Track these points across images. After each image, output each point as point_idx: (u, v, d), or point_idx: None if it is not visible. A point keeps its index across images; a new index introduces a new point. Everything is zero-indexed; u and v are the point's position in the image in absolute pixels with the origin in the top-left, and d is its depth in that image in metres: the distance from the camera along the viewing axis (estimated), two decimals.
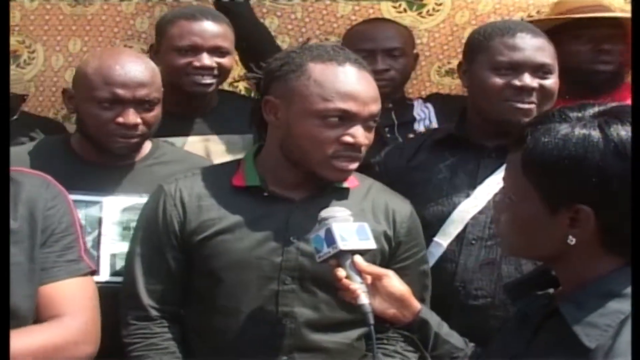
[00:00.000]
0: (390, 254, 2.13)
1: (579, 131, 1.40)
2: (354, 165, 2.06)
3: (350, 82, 2.01)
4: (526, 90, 2.31)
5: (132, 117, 2.28)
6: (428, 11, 3.16)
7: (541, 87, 2.33)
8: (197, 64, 2.74)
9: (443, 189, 2.38)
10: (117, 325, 2.07)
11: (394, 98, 3.03)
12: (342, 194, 2.13)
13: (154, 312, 2.07)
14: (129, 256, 2.14)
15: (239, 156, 2.27)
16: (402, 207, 2.19)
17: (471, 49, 2.45)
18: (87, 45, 3.12)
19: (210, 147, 2.83)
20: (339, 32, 3.17)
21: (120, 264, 2.26)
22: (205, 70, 2.75)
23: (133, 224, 2.24)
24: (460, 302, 2.28)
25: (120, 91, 2.27)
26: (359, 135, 2.00)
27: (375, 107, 2.04)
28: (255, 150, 2.18)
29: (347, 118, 2.00)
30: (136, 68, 2.31)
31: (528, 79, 2.32)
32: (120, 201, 2.34)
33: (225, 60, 2.80)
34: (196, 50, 2.75)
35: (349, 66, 2.03)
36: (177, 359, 2.05)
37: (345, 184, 2.14)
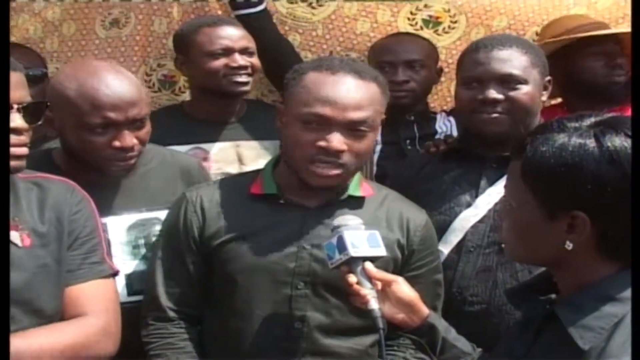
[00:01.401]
0: (403, 262, 2.18)
1: (575, 140, 1.46)
2: (335, 172, 2.08)
3: (332, 88, 2.06)
4: (489, 103, 2.36)
5: (128, 139, 2.15)
6: (444, 29, 3.24)
7: (508, 98, 2.36)
8: (233, 64, 2.86)
9: (446, 199, 2.44)
10: (140, 342, 2.15)
11: (417, 110, 3.12)
12: (356, 203, 2.19)
13: (172, 314, 2.15)
14: (152, 260, 2.22)
15: None
16: (417, 216, 2.23)
17: (456, 66, 2.56)
18: (122, 66, 3.17)
19: (242, 153, 2.94)
20: (358, 48, 3.25)
21: (136, 283, 2.28)
22: (241, 69, 2.88)
23: (141, 242, 2.30)
24: (456, 308, 2.31)
25: (112, 114, 2.12)
26: (334, 140, 2.04)
27: (356, 114, 2.06)
28: (276, 160, 2.26)
29: (324, 123, 2.05)
30: (122, 85, 2.15)
31: (491, 91, 2.36)
32: (123, 220, 2.27)
33: (254, 60, 2.93)
34: (228, 52, 2.87)
35: (341, 74, 2.08)
36: (192, 359, 2.12)
37: (360, 193, 2.20)
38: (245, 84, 2.90)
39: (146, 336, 2.15)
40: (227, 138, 2.94)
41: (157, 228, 2.29)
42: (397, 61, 3.03)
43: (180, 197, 2.24)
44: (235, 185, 2.25)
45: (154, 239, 2.29)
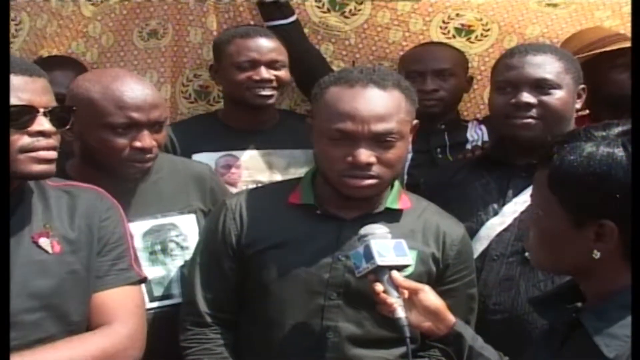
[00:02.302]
0: (437, 275, 2.17)
1: (603, 149, 1.46)
2: (369, 182, 2.08)
3: (351, 102, 2.06)
4: (522, 106, 2.36)
5: (148, 140, 2.20)
6: (477, 37, 3.23)
7: (541, 102, 2.36)
8: (256, 77, 2.88)
9: (474, 207, 2.44)
10: (166, 348, 2.15)
11: (447, 119, 3.11)
12: (393, 215, 2.18)
13: (209, 319, 2.17)
14: (190, 265, 2.25)
15: (301, 170, 2.36)
16: (454, 230, 2.22)
17: (491, 73, 2.57)
18: (163, 77, 3.25)
19: (273, 161, 2.96)
20: (391, 57, 3.25)
21: (156, 289, 2.30)
22: (265, 82, 2.89)
23: (157, 248, 2.31)
24: (479, 317, 2.29)
25: (135, 115, 2.18)
26: (360, 154, 2.04)
27: (379, 126, 2.04)
28: (315, 170, 2.25)
29: (349, 138, 2.05)
30: (145, 89, 2.23)
31: (524, 95, 2.36)
32: (138, 227, 2.28)
33: (281, 73, 2.94)
34: (254, 64, 2.89)
35: (359, 86, 2.07)
36: None
37: (398, 205, 2.19)
38: (269, 97, 2.91)
39: (184, 341, 2.18)
40: (259, 146, 2.96)
41: (173, 233, 2.33)
42: (425, 70, 3.03)
43: (220, 204, 2.27)
44: (274, 194, 2.27)
45: (170, 244, 2.32)
